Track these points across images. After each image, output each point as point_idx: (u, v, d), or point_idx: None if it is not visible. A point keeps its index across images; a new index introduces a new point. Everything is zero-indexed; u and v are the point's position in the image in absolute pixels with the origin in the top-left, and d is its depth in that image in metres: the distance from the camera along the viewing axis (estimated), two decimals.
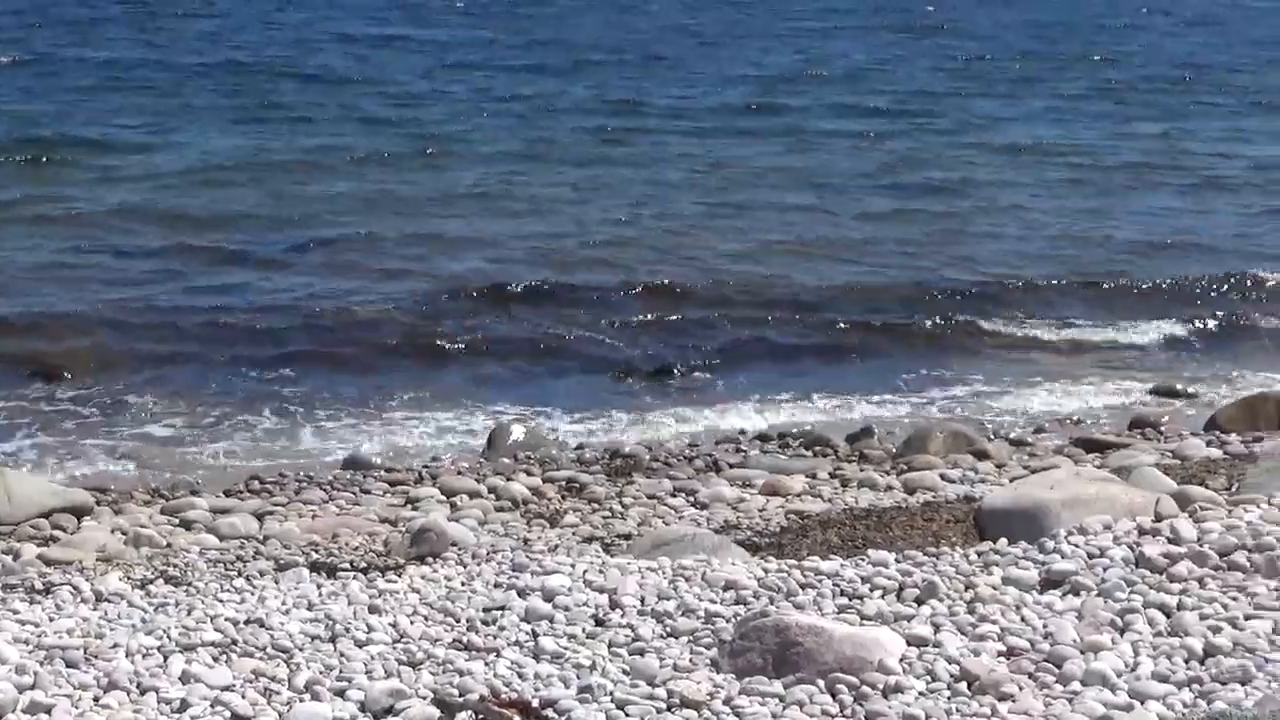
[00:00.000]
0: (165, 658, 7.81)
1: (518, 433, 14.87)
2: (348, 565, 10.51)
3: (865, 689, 7.02)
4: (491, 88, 37.90)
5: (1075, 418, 16.00)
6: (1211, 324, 19.60)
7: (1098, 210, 25.96)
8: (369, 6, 57.61)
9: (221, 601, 8.90)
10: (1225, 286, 21.25)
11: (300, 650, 7.90)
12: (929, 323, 19.17)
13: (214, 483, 13.66)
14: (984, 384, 17.24)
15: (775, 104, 36.45)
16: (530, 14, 58.06)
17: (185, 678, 7.51)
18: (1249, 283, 21.37)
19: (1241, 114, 37.75)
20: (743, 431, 15.27)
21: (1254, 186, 28.64)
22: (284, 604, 8.76)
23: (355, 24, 51.69)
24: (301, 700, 7.29)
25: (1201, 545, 8.37)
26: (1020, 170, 29.22)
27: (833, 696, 7.01)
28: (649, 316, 19.10)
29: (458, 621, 8.29)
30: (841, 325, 18.97)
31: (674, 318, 19.09)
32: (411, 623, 8.30)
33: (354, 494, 13.19)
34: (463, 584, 9.09)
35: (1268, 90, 41.64)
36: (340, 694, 7.33)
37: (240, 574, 10.20)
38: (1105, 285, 21.19)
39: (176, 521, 12.24)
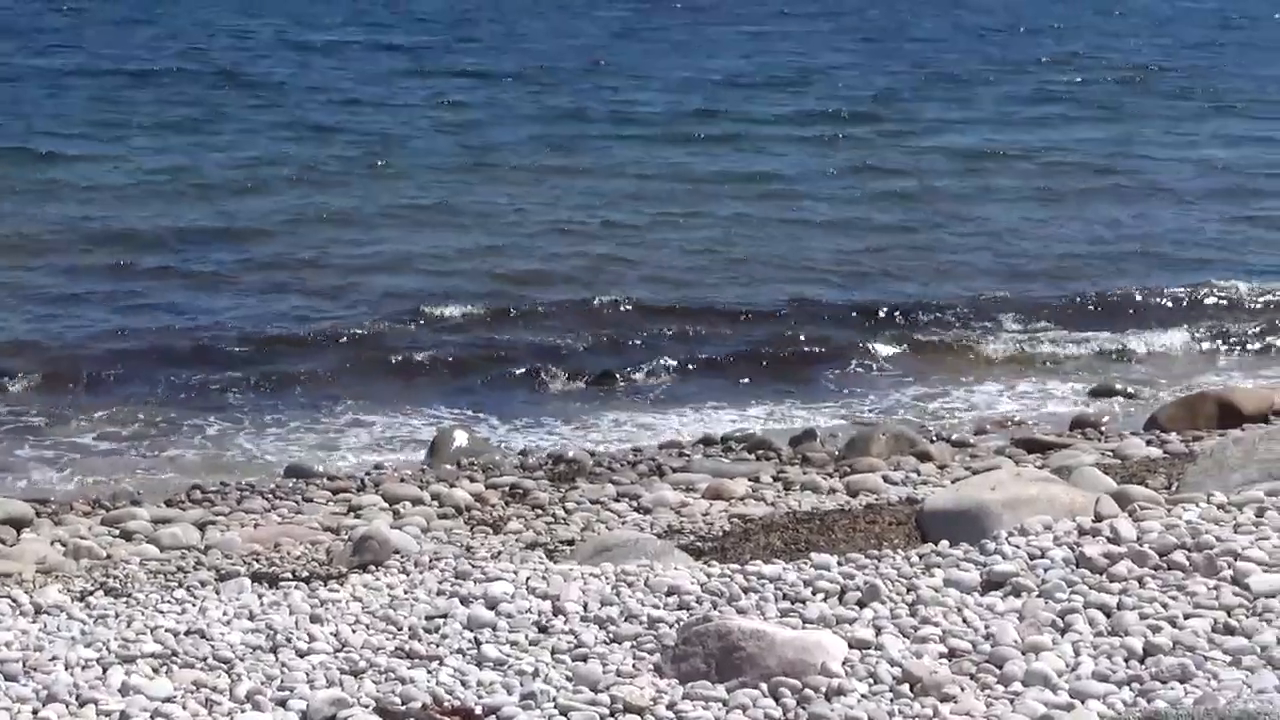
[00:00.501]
0: (105, 670, 7.76)
1: (461, 439, 14.85)
2: (290, 574, 10.47)
3: (808, 692, 7.03)
4: (437, 94, 37.75)
5: (1017, 419, 16.07)
6: (1152, 326, 19.69)
7: (1043, 217, 25.99)
8: (311, 11, 57.38)
9: (162, 613, 8.85)
10: (1166, 290, 21.38)
11: (241, 660, 7.86)
12: (872, 329, 19.21)
13: (155, 493, 13.60)
14: (926, 388, 17.30)
15: (721, 110, 36.40)
16: (476, 18, 57.91)
17: (125, 689, 7.46)
18: (1189, 286, 21.51)
19: (1183, 118, 37.92)
20: (703, 440, 15.26)
21: (1195, 190, 28.76)
22: (225, 614, 8.72)
23: (298, 29, 51.48)
24: (243, 711, 7.26)
25: (1141, 545, 8.40)
26: (966, 177, 29.23)
27: (776, 700, 7.02)
28: (593, 324, 19.11)
29: (400, 630, 8.27)
30: (786, 333, 18.99)
31: (618, 325, 19.11)
32: (354, 631, 8.27)
33: (296, 503, 13.15)
34: (405, 592, 9.06)
35: (1211, 94, 41.87)
36: (282, 704, 7.30)
37: (181, 584, 10.14)
38: (1046, 291, 21.27)
39: (117, 532, 12.20)
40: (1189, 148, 32.97)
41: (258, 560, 11.14)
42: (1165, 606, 7.66)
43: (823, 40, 53.33)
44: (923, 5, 66.74)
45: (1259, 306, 20.59)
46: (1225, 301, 20.81)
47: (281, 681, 7.55)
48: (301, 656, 7.90)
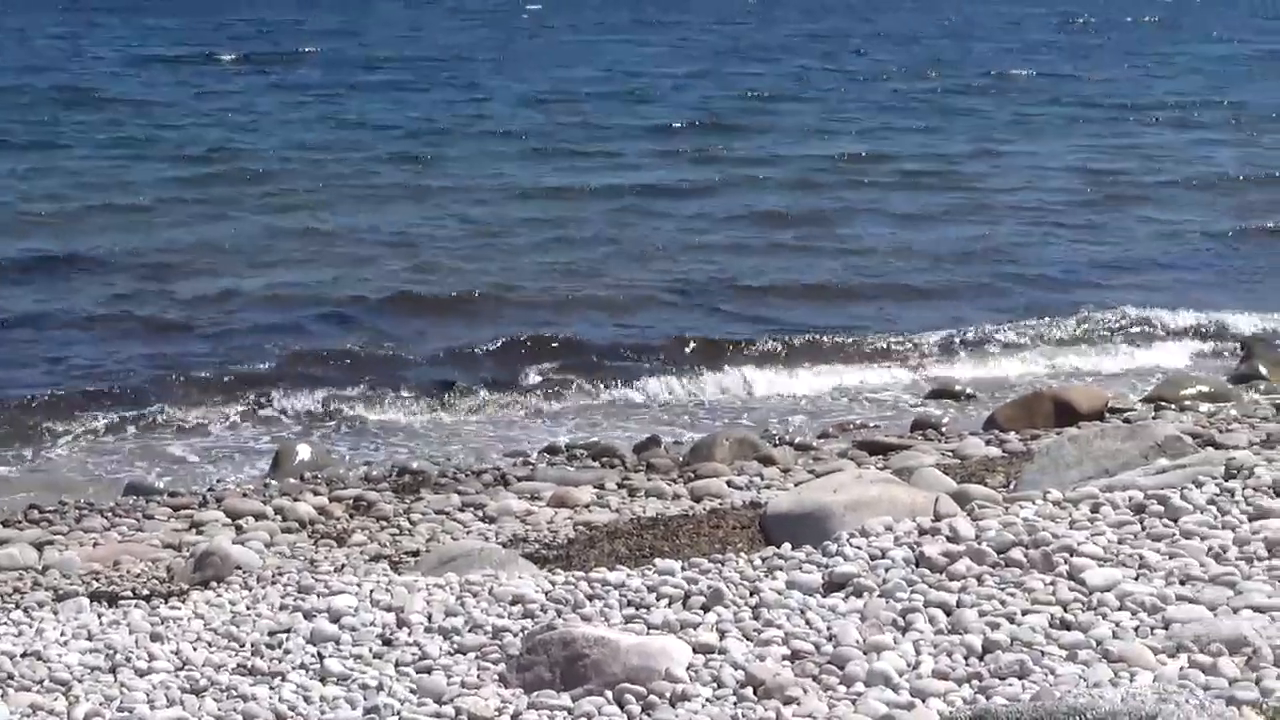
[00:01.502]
0: None
1: (304, 453, 14.74)
2: (130, 593, 10.34)
3: (653, 698, 7.04)
4: (287, 108, 37.47)
5: (859, 421, 16.21)
6: (990, 328, 19.94)
7: (891, 226, 26.18)
8: (132, 24, 56.69)
9: None
10: (1005, 293, 21.71)
11: (80, 681, 7.75)
12: (712, 333, 19.29)
13: None
14: (769, 393, 17.39)
15: (575, 122, 36.36)
16: (316, 29, 57.52)
17: None
18: (1028, 290, 21.86)
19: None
20: (548, 448, 15.23)
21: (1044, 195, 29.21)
22: (63, 635, 8.59)
23: (119, 43, 50.80)
24: None
25: (979, 543, 8.50)
26: (819, 188, 29.35)
27: (620, 707, 7.03)
28: (436, 338, 19.04)
29: (242, 646, 8.19)
30: (630, 341, 19.02)
31: (458, 336, 19.05)
32: (195, 649, 8.17)
33: (136, 520, 12.96)
34: (248, 608, 8.97)
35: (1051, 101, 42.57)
36: None
37: (18, 605, 9.98)
38: (890, 292, 21.49)
39: None
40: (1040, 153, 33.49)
41: (97, 579, 10.98)
42: (1003, 603, 7.76)
43: (671, 52, 53.55)
44: (777, 16, 67.27)
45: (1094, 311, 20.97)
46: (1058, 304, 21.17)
47: (121, 702, 7.45)
48: (141, 676, 7.80)
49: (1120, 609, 7.58)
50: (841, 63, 51.35)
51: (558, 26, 63.46)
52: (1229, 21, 75.71)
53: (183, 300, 20.41)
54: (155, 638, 8.40)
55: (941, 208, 27.44)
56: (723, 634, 7.71)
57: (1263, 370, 17.26)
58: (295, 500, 13.19)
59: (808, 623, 7.77)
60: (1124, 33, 63.44)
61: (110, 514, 13.16)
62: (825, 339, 19.11)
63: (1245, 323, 20.01)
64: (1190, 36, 64.72)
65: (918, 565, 8.38)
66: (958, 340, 19.23)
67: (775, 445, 14.89)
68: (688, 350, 18.51)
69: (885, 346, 18.96)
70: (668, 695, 7.05)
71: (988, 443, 14.61)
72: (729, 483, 13.33)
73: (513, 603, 8.46)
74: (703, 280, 21.95)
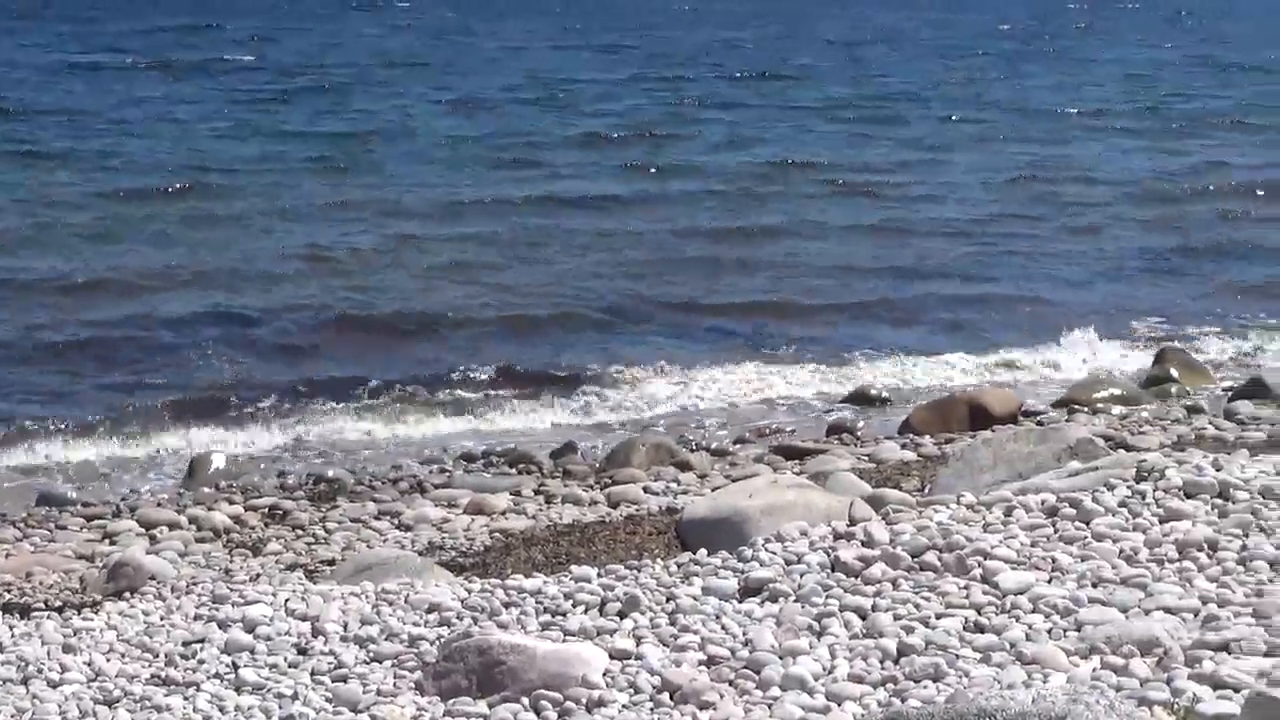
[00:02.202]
0: None
1: (219, 461, 14.65)
2: (42, 604, 10.24)
3: (569, 705, 7.06)
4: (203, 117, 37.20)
5: (775, 426, 16.25)
6: (903, 329, 20.06)
7: (814, 233, 26.22)
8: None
9: None
10: (921, 300, 21.87)
11: None
12: (629, 343, 19.32)
13: None
14: (684, 399, 17.40)
15: (476, 133, 36.22)
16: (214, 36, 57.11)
17: None
18: (939, 295, 22.03)
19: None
20: (464, 455, 15.18)
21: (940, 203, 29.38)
22: None
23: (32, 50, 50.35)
24: None
25: (894, 547, 8.56)
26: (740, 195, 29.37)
27: (537, 714, 7.04)
28: (355, 344, 18.98)
29: (156, 657, 8.15)
30: (552, 345, 19.04)
31: (364, 341, 19.01)
32: (108, 660, 8.13)
33: (49, 530, 12.83)
34: (161, 618, 8.93)
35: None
36: None
37: None
38: (804, 300, 21.56)
39: None
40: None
41: (8, 590, 10.86)
42: (918, 607, 7.82)
43: (583, 57, 53.52)
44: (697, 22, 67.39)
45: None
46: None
47: (33, 713, 7.40)
48: (54, 687, 7.75)
49: (1033, 611, 7.66)
50: (768, 69, 51.45)
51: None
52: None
53: (92, 308, 20.17)
54: (68, 649, 8.35)
55: (860, 217, 27.45)
56: (639, 640, 7.73)
57: (1174, 374, 17.40)
58: (210, 509, 13.09)
59: (724, 628, 7.80)
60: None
61: (22, 525, 13.03)
62: (742, 345, 19.16)
63: (1158, 327, 20.22)
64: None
65: (833, 570, 8.42)
66: (872, 349, 19.30)
67: (692, 451, 14.91)
68: (602, 360, 18.50)
69: (801, 352, 19.00)
70: (584, 701, 7.06)
71: (903, 446, 14.68)
72: (646, 489, 13.34)
73: (429, 611, 8.46)
74: (621, 290, 21.90)
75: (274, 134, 34.97)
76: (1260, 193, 30.31)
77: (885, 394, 17.44)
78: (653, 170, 31.65)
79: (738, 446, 15.41)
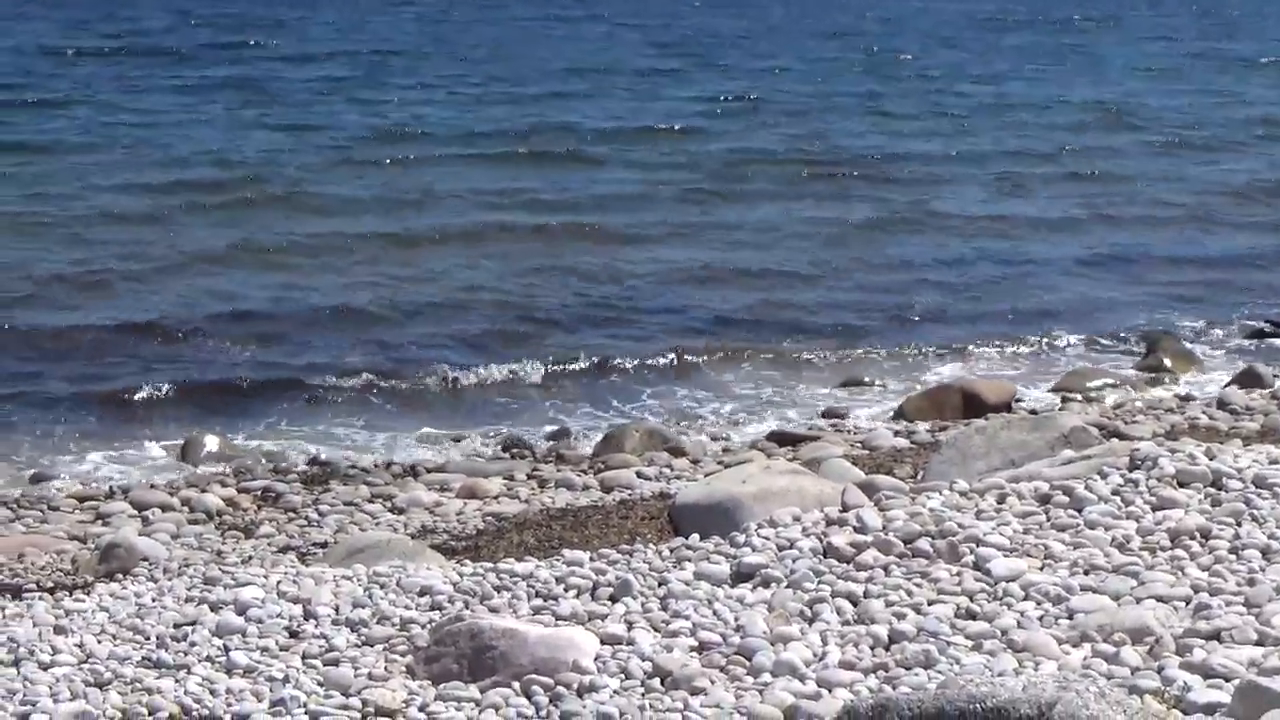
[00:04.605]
0: None
1: (212, 444, 14.63)
2: (34, 585, 10.25)
3: (560, 689, 7.06)
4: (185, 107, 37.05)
5: (769, 413, 16.25)
6: (892, 323, 20.05)
7: (802, 228, 26.13)
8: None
9: None
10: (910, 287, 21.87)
11: None
12: (630, 334, 19.33)
13: None
14: (683, 388, 17.40)
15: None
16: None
17: None
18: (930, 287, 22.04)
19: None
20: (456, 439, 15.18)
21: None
22: None
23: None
24: None
25: (886, 534, 8.56)
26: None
27: (528, 699, 7.04)
28: (349, 331, 18.97)
29: (147, 639, 8.13)
30: (534, 338, 19.05)
31: (363, 332, 18.99)
32: (99, 642, 8.12)
33: (42, 511, 12.83)
34: (153, 600, 8.91)
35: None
36: (24, 718, 7.14)
37: None
38: (792, 294, 21.54)
39: None
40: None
41: (0, 571, 10.88)
42: (910, 593, 7.82)
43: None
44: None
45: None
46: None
47: (24, 695, 7.38)
48: (45, 669, 7.73)
49: (1025, 599, 7.67)
50: (759, 59, 51.29)
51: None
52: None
53: (82, 304, 20.09)
54: (59, 630, 8.34)
55: (849, 208, 27.35)
56: (630, 625, 7.74)
57: (1167, 363, 17.43)
58: (203, 491, 13.10)
59: (715, 613, 7.80)
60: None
61: (15, 505, 13.02)
62: (733, 335, 19.18)
63: (1148, 317, 20.24)
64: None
65: (825, 556, 8.43)
66: (867, 335, 19.30)
67: (685, 437, 14.91)
68: (596, 350, 18.49)
69: (796, 342, 19.00)
70: (575, 686, 7.06)
71: (896, 434, 14.68)
72: (638, 474, 13.34)
73: (421, 594, 8.45)
74: (618, 287, 21.84)
75: (275, 126, 34.77)
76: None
77: (880, 381, 17.44)
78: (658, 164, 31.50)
79: (731, 432, 15.41)
